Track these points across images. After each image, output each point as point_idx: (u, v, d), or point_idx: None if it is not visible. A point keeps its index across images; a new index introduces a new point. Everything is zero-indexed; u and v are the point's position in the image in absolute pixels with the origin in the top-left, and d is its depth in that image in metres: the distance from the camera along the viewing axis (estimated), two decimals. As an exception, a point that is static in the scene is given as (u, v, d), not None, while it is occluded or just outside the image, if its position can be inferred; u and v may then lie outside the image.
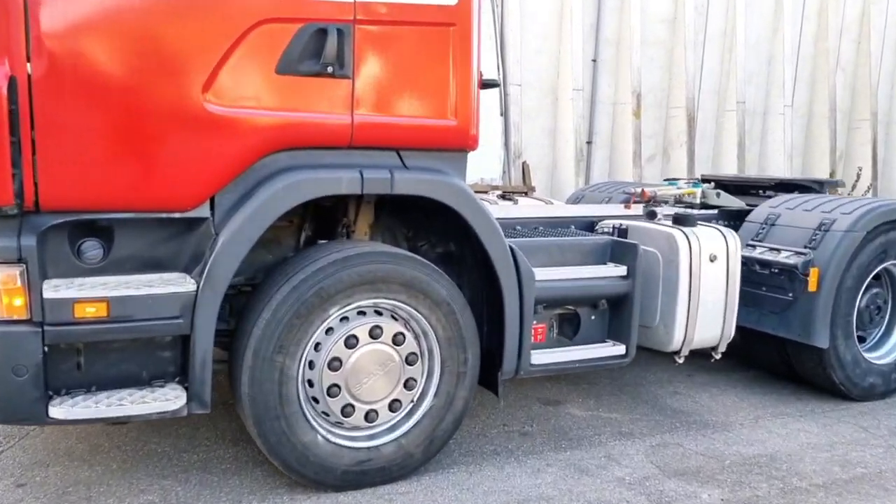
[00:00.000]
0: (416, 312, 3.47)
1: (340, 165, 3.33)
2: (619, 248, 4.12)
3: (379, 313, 3.46)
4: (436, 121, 3.46)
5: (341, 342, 3.32)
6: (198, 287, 3.04)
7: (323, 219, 3.92)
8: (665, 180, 6.98)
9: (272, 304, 3.18)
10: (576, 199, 6.84)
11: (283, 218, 3.49)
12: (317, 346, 3.33)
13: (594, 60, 9.11)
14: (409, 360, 3.48)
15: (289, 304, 3.19)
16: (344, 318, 3.38)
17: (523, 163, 8.61)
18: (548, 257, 3.97)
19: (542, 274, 3.78)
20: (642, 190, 5.51)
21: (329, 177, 3.27)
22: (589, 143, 9.20)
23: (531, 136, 8.72)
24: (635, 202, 5.55)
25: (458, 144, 3.56)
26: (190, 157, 3.02)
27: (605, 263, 4.12)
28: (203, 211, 3.11)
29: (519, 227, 4.59)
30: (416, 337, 3.55)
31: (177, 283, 3.04)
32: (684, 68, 9.49)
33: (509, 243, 3.67)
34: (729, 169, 9.98)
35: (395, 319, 3.50)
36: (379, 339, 3.41)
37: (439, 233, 4.08)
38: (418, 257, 3.52)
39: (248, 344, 3.17)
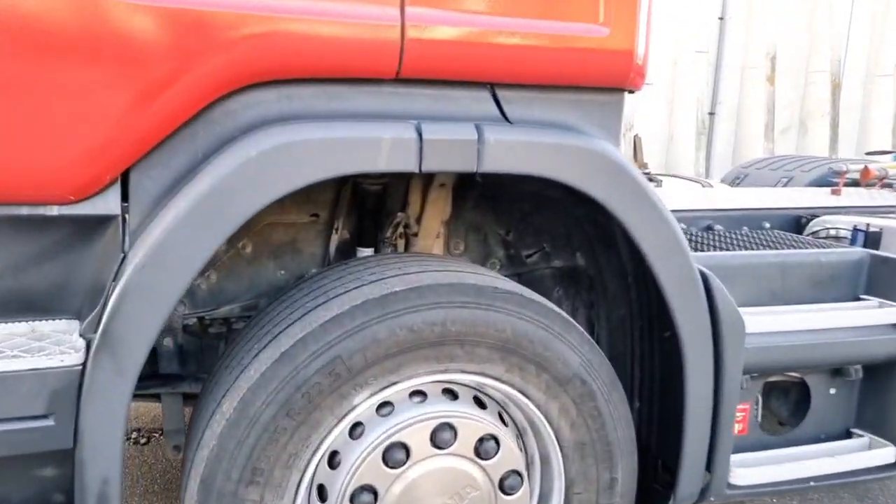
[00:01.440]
0: (520, 397, 1.83)
1: (378, 115, 1.71)
2: (884, 271, 2.30)
3: (451, 394, 1.85)
4: (570, 28, 1.77)
5: (376, 454, 1.72)
6: (87, 354, 1.51)
7: (369, 209, 2.34)
8: (868, 153, 5.00)
9: (238, 390, 1.62)
10: (735, 180, 4.96)
11: (298, 210, 2.17)
12: (332, 460, 1.75)
13: (721, 18, 8.20)
14: (507, 487, 1.85)
15: (271, 390, 1.61)
16: (385, 406, 1.78)
17: (634, 136, 6.93)
18: (757, 286, 2.21)
19: (757, 323, 2.03)
20: (866, 168, 3.58)
21: (355, 137, 1.64)
22: (712, 113, 8.23)
23: (644, 106, 7.27)
24: (845, 185, 3.65)
25: (612, 77, 1.86)
26: (77, 89, 1.48)
27: (856, 297, 2.31)
28: (106, 202, 1.57)
29: (683, 226, 2.81)
30: (520, 439, 1.91)
31: (46, 352, 1.51)
32: (829, 26, 7.84)
33: (699, 267, 1.95)
34: (877, 145, 8.17)
35: (481, 407, 1.87)
36: (449, 449, 1.78)
37: (562, 234, 2.42)
38: (528, 293, 1.85)
39: (192, 465, 1.63)
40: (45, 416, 1.50)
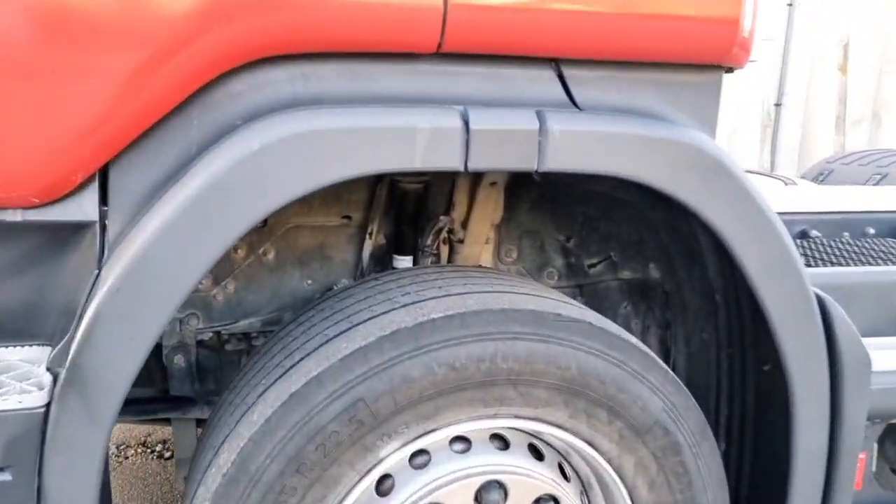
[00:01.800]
0: (587, 448, 1.48)
1: (414, 99, 1.37)
2: None
3: (500, 441, 1.51)
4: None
5: (410, 517, 1.40)
6: (52, 394, 1.23)
7: (407, 212, 2.03)
8: (974, 147, 4.44)
9: (238, 438, 1.31)
10: (818, 177, 4.47)
11: (327, 212, 1.91)
12: (354, 521, 1.43)
13: (789, 4, 7.56)
14: (569, 559, 1.50)
15: (278, 440, 1.30)
16: (419, 455, 1.45)
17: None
18: (879, 311, 1.80)
19: (887, 360, 1.63)
20: None
21: (384, 127, 1.31)
22: (778, 104, 7.61)
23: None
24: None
25: (711, 51, 1.49)
26: (38, 65, 1.19)
27: None
28: (81, 206, 1.28)
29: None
30: (584, 495, 1.56)
31: (3, 388, 1.23)
32: (909, 10, 7.38)
33: (815, 290, 1.56)
34: (962, 141, 7.62)
35: (538, 457, 1.53)
36: None
37: (633, 241, 2.06)
38: (599, 321, 1.49)
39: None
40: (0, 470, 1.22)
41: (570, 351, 1.40)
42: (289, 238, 2.03)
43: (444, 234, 2.05)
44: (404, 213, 2.05)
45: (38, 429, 1.22)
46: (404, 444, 1.38)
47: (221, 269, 2.00)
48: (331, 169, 1.26)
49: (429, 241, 1.95)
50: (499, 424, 1.45)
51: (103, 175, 1.28)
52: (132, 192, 1.29)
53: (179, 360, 2.01)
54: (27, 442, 1.21)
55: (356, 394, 1.31)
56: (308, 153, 1.25)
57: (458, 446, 1.48)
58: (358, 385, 1.31)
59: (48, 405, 1.22)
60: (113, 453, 3.16)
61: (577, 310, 1.49)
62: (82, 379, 1.21)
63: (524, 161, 1.34)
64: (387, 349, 1.33)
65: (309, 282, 2.05)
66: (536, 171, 1.37)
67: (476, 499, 1.43)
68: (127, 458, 3.14)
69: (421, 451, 1.45)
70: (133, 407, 2.02)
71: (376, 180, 2.00)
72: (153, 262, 1.21)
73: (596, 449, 1.47)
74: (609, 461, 1.48)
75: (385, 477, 1.44)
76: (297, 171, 1.25)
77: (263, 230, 2.00)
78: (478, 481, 1.42)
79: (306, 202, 2.00)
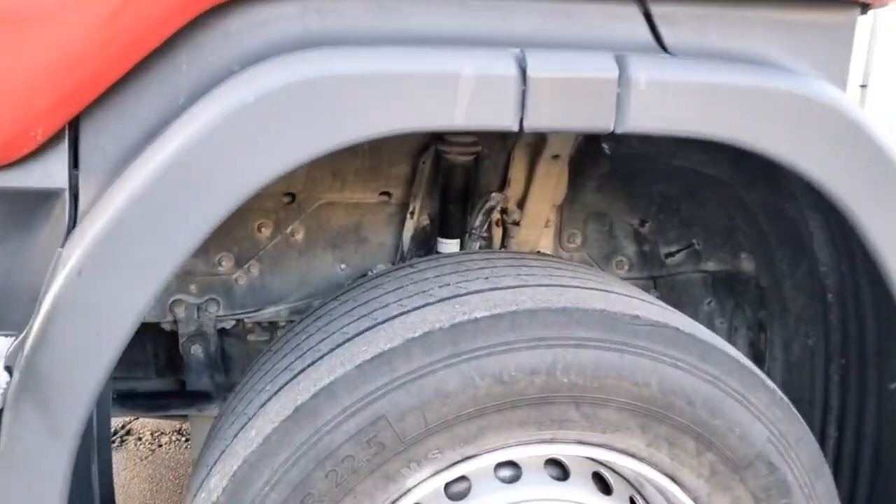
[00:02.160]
0: (667, 483, 1.17)
1: (456, 38, 1.08)
2: None
3: (557, 467, 1.22)
4: None
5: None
6: (4, 399, 1.00)
7: (456, 188, 1.75)
8: None
9: (233, 458, 1.06)
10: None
11: (364, 187, 1.70)
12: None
13: None
14: None
15: (279, 464, 1.04)
16: (456, 482, 1.18)
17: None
18: None
19: None
20: None
21: (417, 72, 1.02)
22: (864, 86, 6.95)
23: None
24: None
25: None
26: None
27: None
28: (46, 169, 1.04)
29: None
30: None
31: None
32: None
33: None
34: None
35: (605, 491, 1.23)
36: None
37: (721, 227, 1.74)
38: (689, 325, 1.18)
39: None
40: (-55, 488, 1.00)
41: (650, 363, 1.09)
42: (320, 216, 1.78)
43: (496, 215, 1.76)
44: (451, 191, 1.77)
45: (-18, 443, 1.00)
46: (437, 473, 1.11)
47: (244, 250, 1.76)
48: (347, 126, 0.99)
49: (478, 222, 1.67)
50: (556, 450, 1.16)
51: (74, 133, 1.04)
52: (109, 154, 1.04)
53: (197, 350, 1.79)
54: (-26, 457, 0.99)
55: (377, 410, 1.04)
56: (318, 106, 0.98)
57: (506, 472, 1.20)
58: (379, 399, 1.04)
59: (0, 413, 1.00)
60: (147, 440, 3.01)
61: (659, 310, 1.18)
62: (38, 382, 0.98)
63: (597, 120, 1.04)
64: (416, 355, 1.05)
65: (342, 266, 1.81)
66: (612, 135, 1.06)
67: (526, 541, 1.15)
68: (161, 445, 2.98)
69: (459, 478, 1.17)
70: (145, 401, 1.82)
71: (419, 151, 1.73)
72: (124, 239, 0.96)
73: (679, 485, 1.17)
74: (696, 500, 1.17)
75: (415, 507, 1.17)
76: (303, 128, 0.98)
77: (291, 206, 1.76)
78: (529, 512, 1.14)
79: (339, 175, 1.75)
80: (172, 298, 1.75)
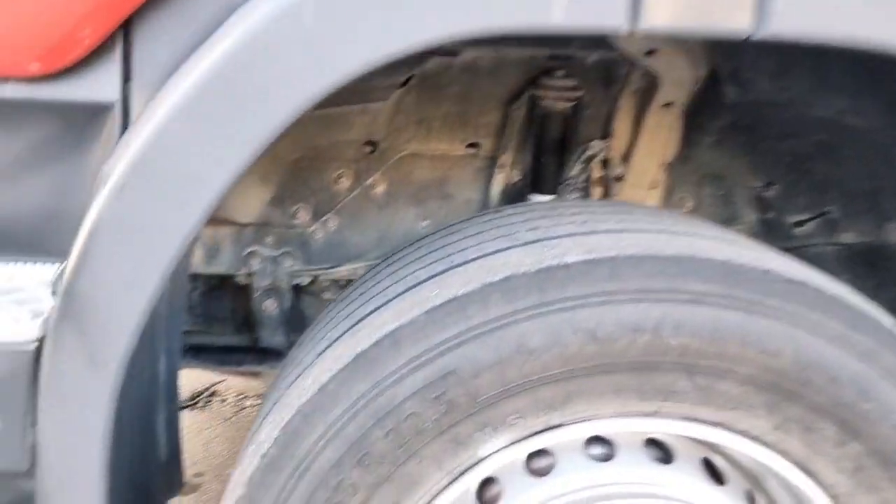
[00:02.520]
0: (797, 474, 0.96)
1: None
2: None
3: (657, 449, 1.03)
4: None
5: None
6: (47, 327, 0.92)
7: (551, 139, 1.58)
8: None
9: (285, 409, 0.94)
10: None
11: (450, 137, 1.57)
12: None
13: None
14: None
15: (334, 419, 0.91)
16: (538, 456, 1.01)
17: None
18: None
19: None
20: None
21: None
22: None
23: None
24: None
25: None
26: None
27: None
28: (98, 81, 0.95)
29: None
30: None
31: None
32: None
33: None
34: None
35: (717, 480, 1.03)
36: None
37: (865, 192, 1.48)
38: (832, 286, 0.96)
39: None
40: (-14, 418, 0.93)
41: (784, 328, 0.89)
42: (403, 168, 1.65)
43: (596, 169, 1.58)
44: (546, 142, 1.60)
45: (29, 370, 0.92)
46: (516, 442, 0.94)
47: (322, 202, 1.66)
48: (423, 24, 0.83)
49: (576, 171, 1.49)
50: (660, 428, 0.98)
51: (126, 41, 0.94)
52: (163, 64, 0.94)
53: (271, 305, 1.71)
54: (16, 386, 0.92)
55: (446, 364, 0.89)
56: (391, 1, 0.83)
57: (597, 450, 1.02)
58: (450, 351, 0.89)
59: (41, 340, 0.92)
60: (230, 402, 3.00)
61: (796, 266, 0.97)
62: (79, 309, 0.89)
63: (731, 19, 0.83)
64: (495, 303, 0.89)
65: (425, 223, 1.67)
66: (749, 40, 0.86)
67: (619, 533, 0.97)
68: (244, 409, 2.96)
69: (541, 452, 1.01)
70: (217, 355, 1.75)
71: (512, 98, 1.57)
72: (169, 153, 0.85)
73: (814, 478, 0.96)
74: (834, 500, 0.96)
75: (488, 481, 1.02)
76: (373, 27, 0.83)
77: (373, 156, 1.63)
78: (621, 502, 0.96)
79: (424, 124, 1.61)
80: (248, 250, 1.67)
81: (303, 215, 1.66)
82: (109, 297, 0.89)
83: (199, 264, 1.67)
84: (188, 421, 2.82)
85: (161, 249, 0.88)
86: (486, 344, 0.89)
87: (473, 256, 0.97)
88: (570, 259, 0.90)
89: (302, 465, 0.92)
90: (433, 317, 0.90)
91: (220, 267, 1.68)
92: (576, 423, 0.94)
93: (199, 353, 1.70)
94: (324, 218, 1.67)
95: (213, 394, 3.02)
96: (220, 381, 3.06)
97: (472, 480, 0.98)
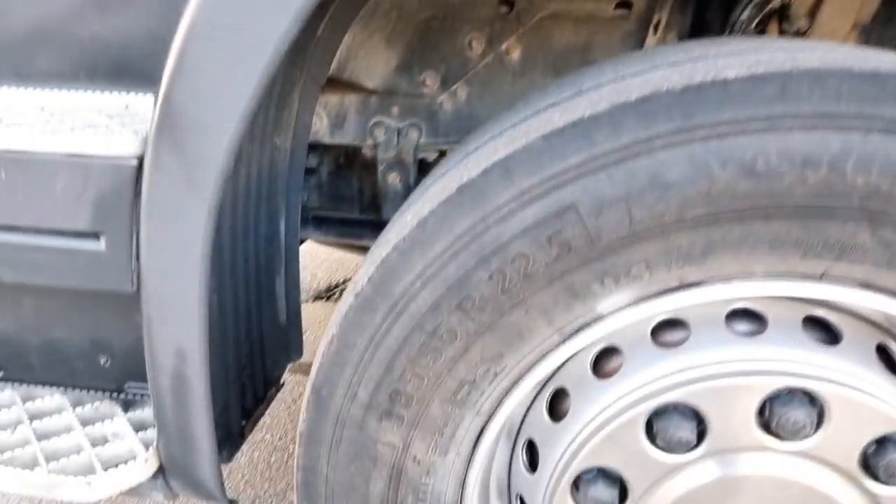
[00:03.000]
0: None
1: None
2: None
3: (819, 327, 0.84)
4: None
5: (637, 416, 0.83)
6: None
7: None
8: None
9: (383, 246, 0.86)
10: None
11: None
12: (554, 405, 0.91)
13: None
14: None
15: (433, 257, 0.81)
16: (669, 326, 0.86)
17: None
18: None
19: None
20: None
21: None
22: None
23: None
24: None
25: None
26: None
27: None
28: None
29: None
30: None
31: (102, 129, 0.91)
32: None
33: None
34: None
35: (893, 369, 0.83)
36: (802, 444, 0.81)
37: None
38: None
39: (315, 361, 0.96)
40: (93, 236, 0.93)
41: None
42: (541, 32, 1.49)
43: (773, 24, 1.33)
44: (707, 2, 1.37)
45: (131, 186, 0.89)
46: (641, 300, 0.80)
47: (452, 69, 1.54)
48: None
49: (745, 16, 1.26)
50: (827, 295, 0.79)
51: None
52: None
53: (395, 179, 1.63)
54: (119, 202, 0.90)
55: (564, 198, 0.76)
56: None
57: (743, 326, 0.86)
58: (569, 183, 0.76)
59: (142, 158, 0.88)
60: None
61: None
62: (174, 124, 0.84)
63: None
64: (628, 126, 0.74)
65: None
66: None
67: (763, 413, 0.81)
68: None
69: (673, 322, 0.86)
70: (339, 227, 1.72)
71: None
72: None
73: None
74: None
75: (609, 351, 0.89)
76: None
77: (508, 18, 1.48)
78: (771, 384, 0.80)
79: (568, -22, 1.43)
80: (373, 120, 1.59)
81: (431, 83, 1.55)
82: (203, 109, 0.83)
83: (324, 134, 1.62)
84: (322, 312, 2.88)
85: (254, 57, 0.81)
86: (614, 176, 0.75)
87: (610, 78, 0.81)
88: (729, 74, 0.72)
89: (397, 307, 0.84)
90: (552, 143, 0.77)
91: (344, 137, 1.62)
92: (717, 281, 0.78)
93: (321, 224, 1.67)
94: (453, 87, 1.55)
95: (345, 280, 3.07)
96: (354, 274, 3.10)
97: (588, 343, 0.85)
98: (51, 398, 1.14)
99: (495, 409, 0.87)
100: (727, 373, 0.82)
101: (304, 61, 1.20)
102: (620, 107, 0.75)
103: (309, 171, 1.80)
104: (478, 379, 0.84)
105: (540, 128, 0.78)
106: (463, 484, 0.91)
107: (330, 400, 0.89)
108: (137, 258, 0.92)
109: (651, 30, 1.45)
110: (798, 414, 0.79)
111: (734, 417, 0.81)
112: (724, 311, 0.86)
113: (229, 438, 1.27)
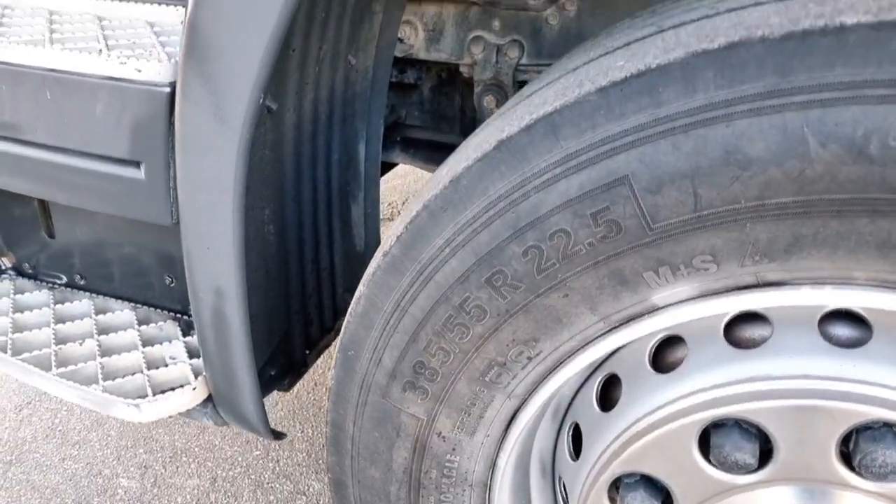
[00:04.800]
0: None
1: None
2: None
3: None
4: None
5: (693, 414, 0.71)
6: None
7: None
8: None
9: (417, 203, 0.78)
10: None
11: None
12: (606, 395, 0.81)
13: None
14: None
15: (463, 224, 0.70)
16: (749, 321, 0.72)
17: None
18: None
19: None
20: None
21: None
22: None
23: None
24: None
25: None
26: None
27: None
28: None
29: None
30: None
31: (138, 53, 0.87)
32: None
33: None
34: None
35: None
36: None
37: None
38: None
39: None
40: (133, 164, 0.90)
41: None
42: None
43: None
44: None
45: (165, 114, 0.84)
46: (707, 296, 0.66)
47: (562, -22, 1.36)
48: None
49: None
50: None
51: None
52: None
53: (491, 103, 1.50)
54: (155, 130, 0.85)
55: (616, 167, 0.62)
56: None
57: (841, 330, 0.69)
58: (624, 150, 0.62)
59: (175, 85, 0.82)
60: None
61: None
62: (200, 48, 0.77)
63: None
64: (704, 84, 0.58)
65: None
66: None
67: (844, 440, 0.66)
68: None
69: (752, 316, 0.71)
70: (425, 152, 1.62)
71: None
72: None
73: None
74: None
75: (671, 340, 0.76)
76: None
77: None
78: (864, 414, 0.65)
79: None
80: (472, 35, 1.45)
81: (535, -4, 1.38)
82: (229, 35, 0.75)
83: (419, 49, 1.50)
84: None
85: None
86: (678, 146, 0.59)
87: (692, 19, 0.64)
88: (847, 20, 0.54)
89: (424, 273, 0.75)
90: (609, 98, 0.62)
91: (441, 53, 1.49)
92: (804, 285, 0.62)
93: (408, 147, 1.58)
94: (562, 0, 1.37)
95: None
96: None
97: (642, 335, 0.72)
98: (121, 313, 1.17)
99: (530, 394, 0.78)
100: (812, 391, 0.67)
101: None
102: (698, 56, 0.59)
103: (409, 87, 1.70)
104: (509, 361, 0.75)
105: (597, 77, 0.64)
106: (493, 466, 0.83)
107: (356, 362, 0.83)
108: (176, 190, 0.88)
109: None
110: (892, 455, 0.63)
111: (809, 445, 0.67)
112: (816, 314, 0.69)
113: (291, 367, 1.27)
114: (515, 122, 0.68)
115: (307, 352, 1.29)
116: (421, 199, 0.75)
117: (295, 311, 1.24)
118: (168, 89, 0.83)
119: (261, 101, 0.78)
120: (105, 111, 0.86)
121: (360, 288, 0.81)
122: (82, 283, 1.25)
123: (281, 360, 1.24)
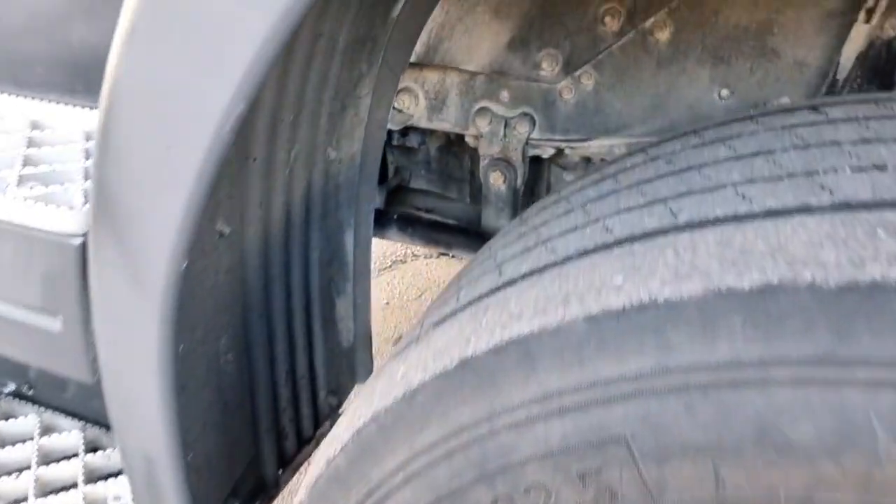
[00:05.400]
0: None
1: None
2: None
3: None
4: None
5: None
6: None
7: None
8: None
9: (353, 419, 0.61)
10: None
11: None
12: None
13: None
14: None
15: (415, 454, 0.55)
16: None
17: None
18: None
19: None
20: None
21: None
22: None
23: None
24: None
25: None
26: None
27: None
28: None
29: None
30: None
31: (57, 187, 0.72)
32: None
33: None
34: None
35: None
36: None
37: None
38: None
39: None
40: (50, 314, 0.76)
41: None
42: (704, 7, 1.11)
43: None
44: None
45: (78, 268, 0.70)
46: None
47: (578, 49, 1.21)
48: None
49: None
50: None
51: None
52: None
53: (498, 179, 1.35)
54: (67, 283, 0.72)
55: (611, 420, 0.46)
56: None
57: None
58: (621, 402, 0.46)
59: (86, 235, 0.69)
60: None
61: None
62: (109, 208, 0.62)
63: None
64: (727, 330, 0.42)
65: (724, 92, 1.15)
66: None
67: None
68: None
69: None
70: (425, 232, 1.47)
71: None
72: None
73: None
74: None
75: None
76: None
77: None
78: None
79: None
80: (477, 105, 1.30)
81: (550, 66, 1.22)
82: (141, 197, 0.61)
83: (420, 117, 1.35)
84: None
85: (193, 134, 0.56)
86: (696, 409, 0.43)
87: (717, 216, 0.48)
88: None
89: (375, 495, 0.59)
90: (601, 329, 0.46)
91: (444, 123, 1.34)
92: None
93: (406, 226, 1.43)
94: (578, 71, 1.21)
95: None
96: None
97: None
98: (68, 434, 1.04)
99: None
100: None
101: (375, 50, 0.93)
102: (726, 296, 0.42)
103: (412, 150, 1.56)
104: None
105: (586, 294, 0.48)
106: None
107: None
108: (94, 348, 0.74)
109: (864, 13, 1.00)
110: None
111: None
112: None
113: (262, 489, 1.13)
114: (484, 333, 0.52)
115: (280, 471, 1.16)
116: (371, 405, 0.59)
117: (265, 431, 1.10)
118: (80, 240, 0.69)
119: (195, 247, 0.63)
120: (14, 256, 0.73)
121: (301, 495, 0.66)
122: (31, 392, 1.13)
123: (249, 486, 1.10)
